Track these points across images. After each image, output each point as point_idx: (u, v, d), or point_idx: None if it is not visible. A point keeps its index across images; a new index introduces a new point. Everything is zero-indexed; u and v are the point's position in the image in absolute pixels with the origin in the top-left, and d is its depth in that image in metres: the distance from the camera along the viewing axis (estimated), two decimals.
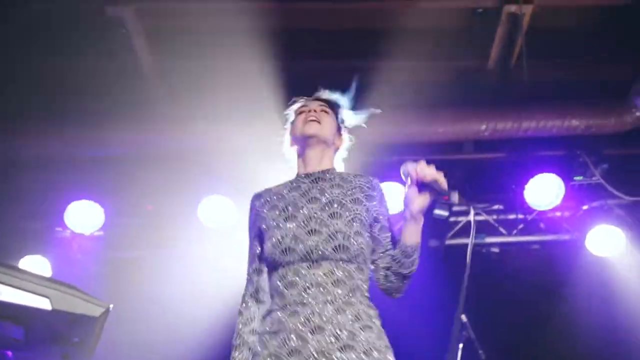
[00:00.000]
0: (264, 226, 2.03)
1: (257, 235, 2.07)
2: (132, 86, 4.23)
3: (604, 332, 4.36)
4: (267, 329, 1.92)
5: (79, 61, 4.17)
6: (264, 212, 2.05)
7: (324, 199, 2.00)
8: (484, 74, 4.17)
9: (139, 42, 4.00)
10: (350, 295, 1.88)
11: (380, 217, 2.06)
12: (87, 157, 4.41)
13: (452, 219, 4.68)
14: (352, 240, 1.91)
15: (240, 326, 2.03)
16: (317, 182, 2.06)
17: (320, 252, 1.89)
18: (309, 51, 4.23)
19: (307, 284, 1.87)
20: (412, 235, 1.99)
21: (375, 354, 1.83)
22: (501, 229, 4.76)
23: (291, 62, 4.08)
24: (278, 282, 1.93)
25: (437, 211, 4.54)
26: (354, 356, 1.80)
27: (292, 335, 1.83)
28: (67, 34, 3.95)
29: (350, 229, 1.93)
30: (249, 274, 2.10)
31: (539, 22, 3.84)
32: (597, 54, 4.11)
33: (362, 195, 2.05)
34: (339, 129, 2.20)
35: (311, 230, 1.92)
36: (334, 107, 2.21)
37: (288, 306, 1.89)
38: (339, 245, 1.89)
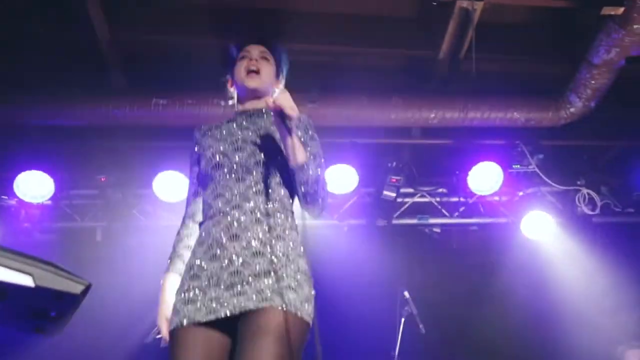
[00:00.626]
0: (201, 151, 2.22)
1: (196, 160, 2.25)
2: (87, 56, 4.18)
3: (533, 306, 4.75)
4: (198, 239, 2.12)
5: (32, 27, 4.07)
6: (202, 141, 2.24)
7: (252, 127, 2.18)
8: (435, 64, 4.35)
9: (94, 9, 3.94)
10: (270, 206, 2.05)
11: None
12: (39, 126, 4.34)
13: (398, 199, 4.91)
14: (272, 158, 2.09)
15: (175, 243, 2.20)
16: (250, 117, 2.23)
17: (244, 167, 2.08)
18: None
19: (232, 195, 2.05)
20: (291, 157, 2.05)
21: (283, 259, 1.98)
22: (444, 211, 5.04)
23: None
24: (209, 195, 2.13)
25: (386, 192, 4.78)
26: (261, 262, 1.95)
27: (214, 243, 2.02)
28: None
29: (271, 150, 2.10)
30: (187, 198, 2.27)
31: (488, 17, 4.03)
32: (539, 51, 4.37)
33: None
34: (277, 74, 2.33)
35: (237, 148, 2.12)
36: (274, 52, 2.33)
37: (214, 216, 2.08)
38: (260, 161, 2.07)
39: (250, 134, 2.15)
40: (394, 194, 4.75)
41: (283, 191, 2.10)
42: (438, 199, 5.06)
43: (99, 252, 4.86)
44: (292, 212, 2.14)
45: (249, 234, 2.00)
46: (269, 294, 1.90)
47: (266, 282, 1.92)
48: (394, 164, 4.68)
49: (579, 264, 4.65)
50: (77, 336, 4.42)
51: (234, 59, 2.31)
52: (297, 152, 2.04)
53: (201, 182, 2.19)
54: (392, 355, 3.96)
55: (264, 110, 2.23)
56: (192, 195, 2.24)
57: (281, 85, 2.35)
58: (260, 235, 2.00)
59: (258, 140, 2.12)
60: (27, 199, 4.55)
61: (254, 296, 1.90)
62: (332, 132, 4.59)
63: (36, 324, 1.87)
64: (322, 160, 2.16)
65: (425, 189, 5.05)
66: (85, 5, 3.78)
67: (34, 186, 4.52)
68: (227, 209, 2.04)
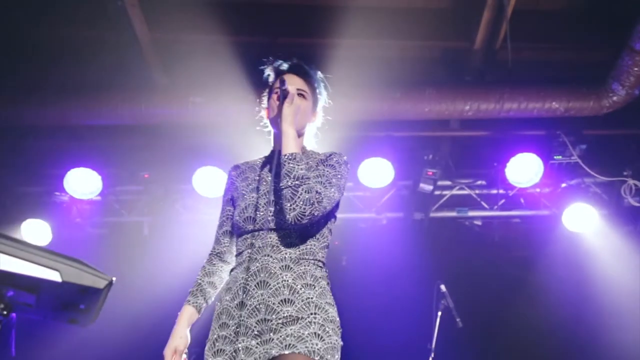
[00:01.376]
0: (235, 194, 2.22)
1: (229, 200, 2.25)
2: (129, 57, 4.33)
3: (574, 300, 4.62)
4: (225, 286, 2.14)
5: (77, 31, 4.25)
6: (237, 182, 2.24)
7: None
8: (470, 55, 4.28)
9: (134, 12, 4.07)
10: (300, 256, 2.03)
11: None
12: (85, 125, 4.55)
13: (436, 192, 4.87)
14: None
15: (199, 276, 2.21)
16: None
17: (276, 221, 2.05)
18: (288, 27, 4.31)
19: (263, 244, 2.04)
20: (282, 145, 2.06)
21: (312, 307, 1.96)
22: (483, 203, 4.96)
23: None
24: (240, 243, 2.14)
25: (422, 185, 4.76)
26: (289, 310, 1.94)
27: (240, 290, 2.02)
28: (65, 3, 4.03)
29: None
30: (217, 235, 2.27)
31: (524, 5, 3.93)
32: (578, 39, 4.23)
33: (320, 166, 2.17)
34: (313, 109, 2.27)
35: (269, 202, 2.09)
36: (312, 86, 2.26)
37: (243, 263, 2.08)
38: (294, 215, 1.99)
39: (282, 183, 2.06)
40: (430, 187, 4.72)
41: (315, 242, 2.08)
42: (477, 192, 4.99)
43: (146, 245, 5.07)
44: (323, 264, 2.10)
45: (277, 280, 1.98)
46: (294, 342, 1.89)
47: (292, 329, 1.91)
48: (430, 156, 4.65)
49: (625, 259, 4.49)
50: (128, 325, 4.69)
51: (270, 85, 2.26)
52: (285, 141, 2.05)
53: (234, 228, 2.18)
54: (428, 349, 3.96)
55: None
56: (222, 234, 2.24)
57: (318, 118, 2.28)
58: (290, 282, 1.98)
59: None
60: (77, 195, 4.79)
61: (280, 343, 1.90)
62: (368, 125, 4.61)
63: (69, 316, 2.01)
64: (328, 188, 2.05)
65: (464, 181, 4.99)
66: (125, 6, 3.91)
67: (83, 182, 4.75)
68: (258, 256, 2.03)
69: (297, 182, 1.98)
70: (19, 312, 1.92)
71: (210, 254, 2.25)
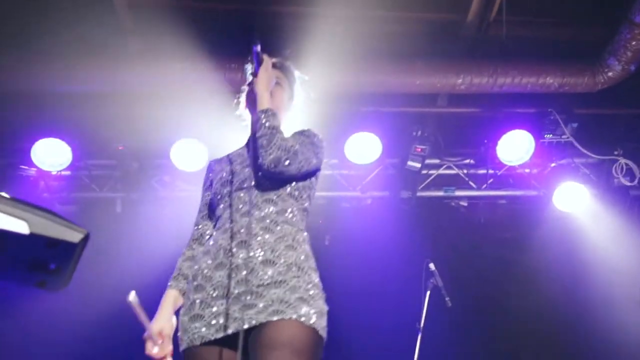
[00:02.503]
0: (213, 175, 2.21)
1: (209, 186, 2.22)
2: (102, 20, 4.08)
3: (564, 280, 4.55)
4: (203, 249, 2.04)
5: None
6: (215, 167, 2.24)
7: None
8: (463, 27, 4.14)
9: None
10: (280, 216, 1.97)
11: None
12: (55, 93, 4.27)
13: (423, 171, 4.74)
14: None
15: (180, 261, 2.14)
16: None
17: (255, 180, 2.02)
18: None
19: (242, 203, 1.99)
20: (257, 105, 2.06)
21: (294, 269, 1.88)
22: (471, 183, 4.85)
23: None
24: (219, 209, 2.07)
25: (410, 163, 4.61)
26: (271, 271, 1.85)
27: (220, 250, 1.93)
28: None
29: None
30: (196, 220, 2.21)
31: None
32: (573, 13, 4.12)
33: None
34: (291, 96, 2.26)
35: (247, 165, 2.08)
36: (287, 73, 2.26)
37: (222, 227, 2.00)
38: (270, 160, 1.96)
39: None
40: (419, 165, 4.57)
41: (294, 202, 2.03)
42: (465, 171, 4.87)
43: (119, 223, 4.81)
44: (303, 229, 2.05)
45: (258, 240, 1.91)
46: (280, 307, 1.80)
47: (277, 293, 1.82)
48: (419, 132, 4.50)
49: (616, 239, 4.42)
50: (97, 303, 4.45)
51: (248, 82, 2.22)
52: (259, 103, 2.03)
53: (212, 202, 2.13)
54: (417, 328, 3.83)
55: None
56: (201, 218, 2.20)
57: (296, 100, 2.27)
58: (271, 243, 1.91)
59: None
60: (45, 167, 4.50)
61: (265, 309, 1.80)
62: (356, 99, 4.44)
63: (37, 278, 1.77)
64: (304, 148, 2.05)
65: (452, 159, 4.86)
66: None
67: (52, 154, 4.47)
68: (237, 216, 1.97)
69: (272, 130, 1.97)
70: None
71: (190, 239, 2.18)
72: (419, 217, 4.75)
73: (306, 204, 2.10)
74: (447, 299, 3.85)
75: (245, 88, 2.22)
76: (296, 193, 2.05)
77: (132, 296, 1.90)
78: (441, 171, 4.86)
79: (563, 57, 4.19)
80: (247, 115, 2.23)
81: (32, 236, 1.56)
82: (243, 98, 2.24)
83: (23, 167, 4.70)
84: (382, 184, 4.84)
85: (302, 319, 1.79)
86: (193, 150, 4.44)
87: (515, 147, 4.49)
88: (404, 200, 4.75)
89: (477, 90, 4.16)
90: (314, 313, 1.83)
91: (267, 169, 1.95)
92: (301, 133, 2.16)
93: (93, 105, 4.43)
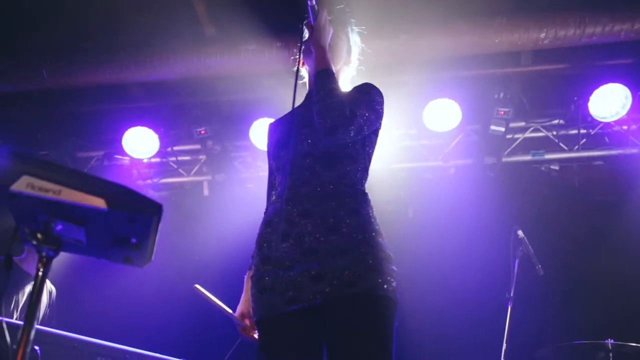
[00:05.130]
0: (272, 138, 2.14)
1: (270, 153, 2.15)
2: (177, 11, 4.19)
3: None
4: (265, 218, 1.99)
5: None
6: (275, 131, 2.15)
7: None
8: None
9: None
10: (340, 180, 1.92)
11: None
12: (137, 83, 4.45)
13: (508, 135, 4.52)
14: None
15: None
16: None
17: (310, 142, 1.95)
18: None
19: (298, 170, 1.93)
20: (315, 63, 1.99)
21: (359, 235, 1.83)
22: (562, 145, 4.56)
23: None
24: (278, 174, 2.02)
25: (494, 127, 4.41)
26: (335, 238, 1.81)
27: (282, 221, 1.88)
28: None
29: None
30: (268, 189, 2.16)
31: None
32: None
33: None
34: (346, 47, 2.15)
35: (304, 125, 1.99)
36: (344, 26, 2.16)
37: (282, 195, 1.94)
38: (327, 128, 1.89)
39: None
40: (502, 128, 4.36)
41: (354, 165, 1.97)
42: (555, 132, 4.59)
43: (207, 206, 4.99)
44: (364, 189, 1.99)
45: (321, 208, 1.86)
46: (351, 278, 1.76)
47: (345, 263, 1.78)
48: (501, 95, 4.28)
49: None
50: (188, 287, 4.64)
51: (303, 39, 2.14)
52: (317, 60, 1.96)
53: (273, 167, 2.09)
54: (507, 298, 3.68)
55: None
56: (270, 187, 2.14)
57: (350, 61, 2.17)
58: (333, 209, 1.86)
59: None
60: (135, 155, 4.74)
61: (335, 281, 1.76)
62: (430, 65, 4.28)
63: (122, 253, 1.86)
64: (362, 107, 1.95)
65: (539, 121, 4.59)
66: None
67: (141, 142, 4.69)
68: (297, 183, 1.91)
69: (329, 94, 1.89)
70: (71, 251, 1.81)
71: (265, 211, 2.12)
72: (506, 184, 4.55)
73: (367, 164, 2.03)
74: (538, 266, 3.67)
75: (302, 44, 2.14)
76: (355, 154, 1.98)
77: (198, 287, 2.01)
78: (528, 134, 4.61)
79: None
80: (305, 72, 2.17)
81: (111, 212, 1.63)
82: (300, 55, 2.16)
83: (117, 156, 4.98)
84: (465, 151, 4.67)
85: (374, 290, 1.76)
86: None
87: (610, 102, 4.17)
88: (489, 167, 4.57)
89: (562, 44, 3.88)
90: (384, 280, 1.78)
91: (325, 136, 1.90)
92: (360, 90, 2.04)
93: (173, 92, 4.60)
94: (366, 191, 2.00)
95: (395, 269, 1.86)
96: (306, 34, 2.10)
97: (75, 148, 5.00)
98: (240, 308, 2.05)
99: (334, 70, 1.99)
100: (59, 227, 1.68)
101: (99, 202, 1.62)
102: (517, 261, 3.79)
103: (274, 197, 2.04)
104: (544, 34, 3.84)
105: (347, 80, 2.17)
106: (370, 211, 1.93)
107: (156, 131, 4.69)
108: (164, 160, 4.97)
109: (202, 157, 4.91)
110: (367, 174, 2.03)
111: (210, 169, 4.87)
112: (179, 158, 5.00)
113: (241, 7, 4.21)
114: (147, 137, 4.67)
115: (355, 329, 1.73)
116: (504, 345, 3.43)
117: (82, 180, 1.61)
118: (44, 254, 1.69)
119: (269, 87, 4.32)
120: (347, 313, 1.74)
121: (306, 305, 1.78)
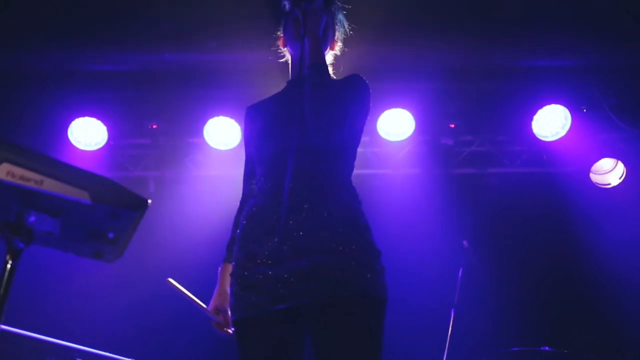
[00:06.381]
0: (253, 127, 2.07)
1: (250, 141, 2.09)
2: (139, 4, 4.08)
3: (601, 256, 4.48)
4: (246, 214, 1.93)
5: None
6: (255, 118, 2.08)
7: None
8: None
9: None
10: (330, 175, 1.89)
11: None
12: (90, 72, 4.30)
13: (456, 149, 4.69)
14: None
15: (237, 214, 2.05)
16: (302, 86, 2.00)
17: (298, 137, 1.89)
18: None
19: (285, 163, 1.86)
20: (308, 52, 1.95)
21: (349, 229, 1.80)
22: (505, 160, 4.79)
23: None
24: (262, 167, 1.96)
25: (443, 140, 4.57)
26: (325, 235, 1.77)
27: (268, 215, 1.83)
28: None
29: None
30: (244, 179, 2.10)
31: None
32: None
33: None
34: (333, 33, 2.11)
35: (291, 117, 1.92)
36: (334, 12, 2.11)
37: (267, 189, 1.89)
38: (316, 127, 1.88)
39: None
40: (451, 141, 4.53)
41: (341, 161, 1.95)
42: (498, 148, 4.80)
43: (152, 203, 4.85)
44: (352, 184, 1.95)
45: (308, 201, 1.81)
46: (342, 277, 1.72)
47: (336, 261, 1.73)
48: (453, 108, 4.44)
49: None
50: (133, 285, 4.51)
51: (286, 12, 2.10)
52: (311, 50, 1.91)
53: (255, 153, 2.02)
54: (451, 306, 3.82)
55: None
56: (248, 175, 2.08)
57: (335, 46, 2.14)
58: (323, 204, 1.81)
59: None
60: (81, 146, 4.56)
61: (326, 280, 1.71)
62: (387, 74, 4.37)
63: (94, 247, 1.80)
64: (347, 115, 1.90)
65: (486, 136, 4.79)
66: None
67: (88, 133, 4.51)
68: (283, 176, 1.84)
69: (324, 91, 1.83)
70: (39, 244, 1.73)
71: (241, 200, 2.07)
72: (454, 195, 4.72)
73: (353, 158, 2.01)
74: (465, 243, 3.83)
75: (282, 25, 2.11)
76: (343, 149, 1.96)
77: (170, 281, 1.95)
78: (475, 148, 4.80)
79: None
80: (287, 53, 2.12)
81: (95, 206, 1.58)
82: (280, 38, 2.14)
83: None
84: (415, 161, 4.80)
85: (366, 291, 1.73)
86: (227, 128, 4.45)
87: (551, 122, 4.41)
88: (437, 177, 4.72)
89: (514, 65, 4.08)
90: (375, 278, 1.77)
91: (317, 133, 1.85)
92: (351, 86, 1.98)
93: (127, 84, 4.46)
94: (354, 186, 1.97)
95: (384, 265, 1.84)
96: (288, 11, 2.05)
97: (16, 136, 4.73)
98: (214, 302, 1.97)
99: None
100: (32, 218, 1.61)
101: (83, 195, 1.56)
102: (461, 270, 3.95)
103: (256, 190, 1.96)
104: (496, 53, 4.03)
105: (329, 62, 2.12)
106: (359, 206, 1.90)
107: (105, 123, 4.53)
108: (111, 152, 4.81)
109: (151, 152, 4.78)
110: (353, 169, 2.01)
111: (158, 165, 4.76)
112: (127, 152, 4.85)
113: (202, 3, 4.16)
114: (95, 128, 4.50)
115: (345, 332, 1.70)
116: (445, 352, 3.56)
117: (65, 171, 1.55)
118: (14, 246, 1.61)
119: (227, 85, 4.28)
120: (337, 316, 1.71)
121: (293, 305, 1.73)
